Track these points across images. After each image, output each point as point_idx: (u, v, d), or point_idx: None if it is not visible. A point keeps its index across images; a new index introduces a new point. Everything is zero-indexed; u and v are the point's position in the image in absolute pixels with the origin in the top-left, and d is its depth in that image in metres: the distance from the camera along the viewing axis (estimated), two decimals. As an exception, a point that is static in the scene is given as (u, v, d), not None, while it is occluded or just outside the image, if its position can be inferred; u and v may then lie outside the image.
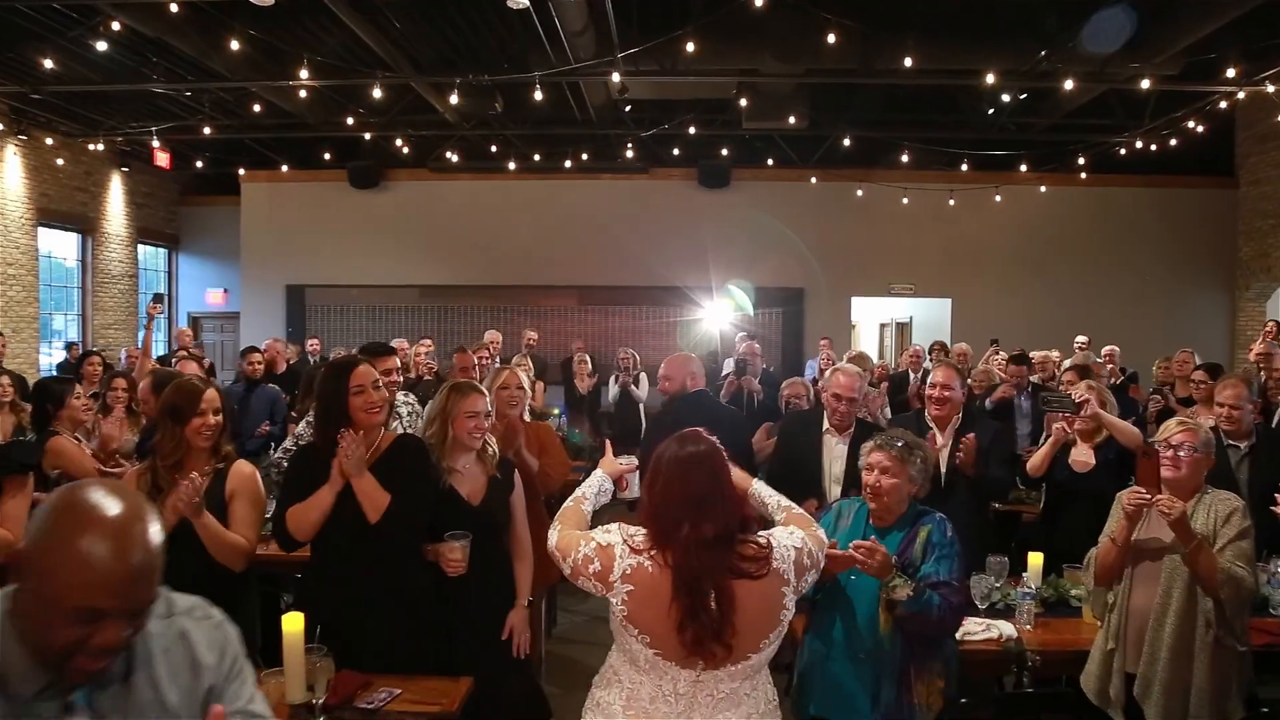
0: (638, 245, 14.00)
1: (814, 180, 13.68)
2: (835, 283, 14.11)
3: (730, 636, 2.17)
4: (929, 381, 4.34)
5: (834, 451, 4.33)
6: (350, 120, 11.60)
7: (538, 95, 8.91)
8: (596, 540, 2.33)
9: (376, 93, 8.72)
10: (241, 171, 14.49)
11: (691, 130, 11.88)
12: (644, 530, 2.31)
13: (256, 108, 11.00)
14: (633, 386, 9.45)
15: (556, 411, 9.55)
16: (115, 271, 15.23)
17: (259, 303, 14.72)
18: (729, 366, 10.57)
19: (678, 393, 4.89)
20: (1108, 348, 9.23)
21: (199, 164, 14.20)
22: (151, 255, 16.64)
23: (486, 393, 3.47)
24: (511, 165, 13.78)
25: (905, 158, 12.24)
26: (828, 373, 4.65)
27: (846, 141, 11.61)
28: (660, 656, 2.23)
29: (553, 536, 2.47)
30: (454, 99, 9.00)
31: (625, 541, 2.30)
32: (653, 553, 2.25)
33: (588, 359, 9.51)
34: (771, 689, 2.42)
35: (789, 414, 4.63)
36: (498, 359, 9.75)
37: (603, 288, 14.21)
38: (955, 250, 14.08)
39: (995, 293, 13.91)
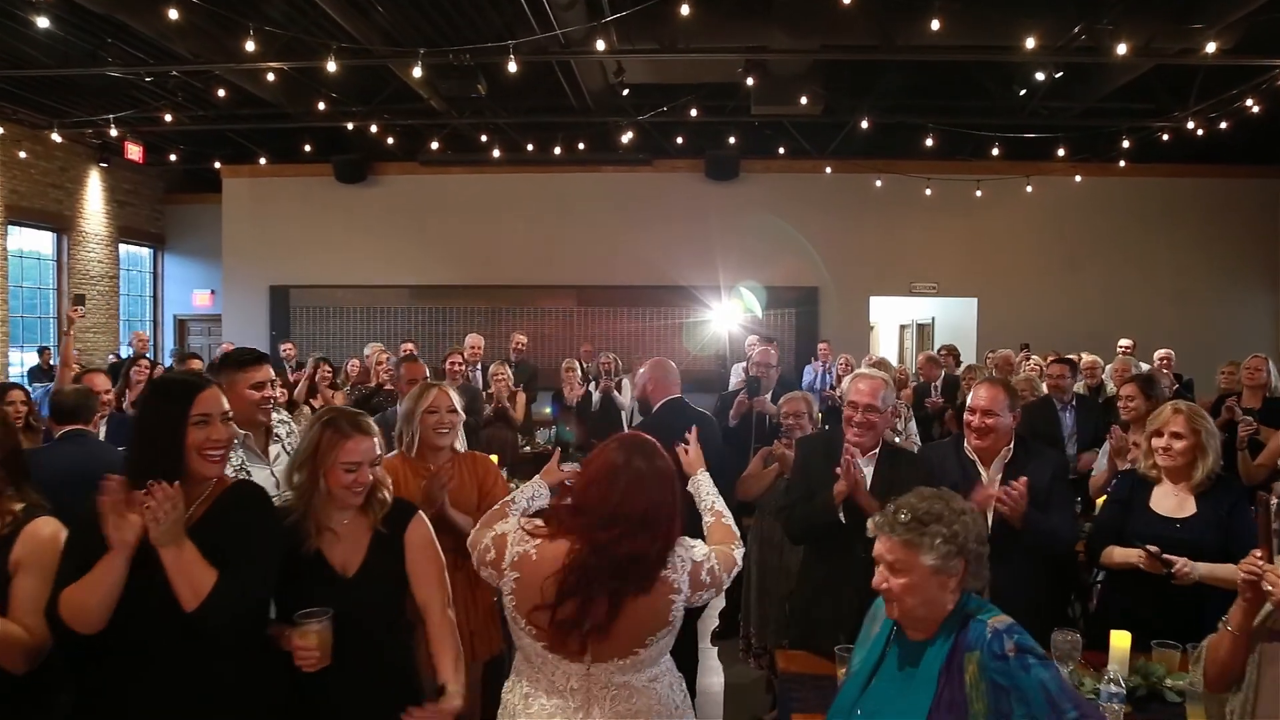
0: (640, 242, 13.13)
1: (829, 170, 12.74)
2: (852, 281, 13.18)
3: (603, 640, 2.21)
4: (968, 404, 3.40)
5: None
6: (323, 106, 10.76)
7: (513, 68, 8.05)
8: (495, 530, 2.40)
9: (331, 66, 7.87)
10: (217, 165, 13.67)
11: (694, 112, 10.96)
12: (552, 512, 2.36)
13: (222, 92, 10.18)
14: (615, 392, 8.68)
15: (541, 441, 8.71)
16: (95, 272, 14.51)
17: (241, 305, 13.95)
18: (738, 374, 9.72)
19: (659, 399, 4.67)
20: (1161, 352, 8.26)
21: (173, 157, 13.39)
22: (135, 256, 15.94)
23: (374, 432, 2.58)
24: (504, 156, 12.93)
25: (930, 141, 11.23)
26: (846, 380, 3.70)
27: (865, 124, 10.63)
28: (548, 649, 2.26)
29: (471, 535, 2.50)
30: (418, 72, 8.14)
31: (520, 526, 2.35)
32: (550, 540, 2.28)
33: (577, 366, 8.61)
34: (679, 685, 2.42)
35: (804, 440, 3.70)
36: (477, 366, 8.91)
37: (603, 287, 13.33)
38: (982, 246, 13.11)
39: (1024, 292, 12.94)
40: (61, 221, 13.68)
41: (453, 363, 7.18)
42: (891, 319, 16.46)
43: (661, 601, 2.26)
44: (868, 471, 3.28)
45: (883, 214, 13.13)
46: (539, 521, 2.34)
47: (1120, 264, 12.88)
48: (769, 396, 6.04)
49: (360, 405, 7.19)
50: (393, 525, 2.56)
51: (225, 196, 14.04)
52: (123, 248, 15.33)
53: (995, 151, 11.92)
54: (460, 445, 3.57)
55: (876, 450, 3.35)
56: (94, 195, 14.30)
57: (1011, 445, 3.33)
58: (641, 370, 4.92)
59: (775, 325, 12.97)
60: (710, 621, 6.23)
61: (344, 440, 2.48)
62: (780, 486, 4.45)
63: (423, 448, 3.43)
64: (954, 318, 14.15)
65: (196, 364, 6.33)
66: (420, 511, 2.68)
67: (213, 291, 15.78)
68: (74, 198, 13.87)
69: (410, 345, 10.07)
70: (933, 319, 15.13)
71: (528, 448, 8.89)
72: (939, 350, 9.14)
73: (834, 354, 9.86)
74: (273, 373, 3.65)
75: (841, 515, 3.17)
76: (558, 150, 12.50)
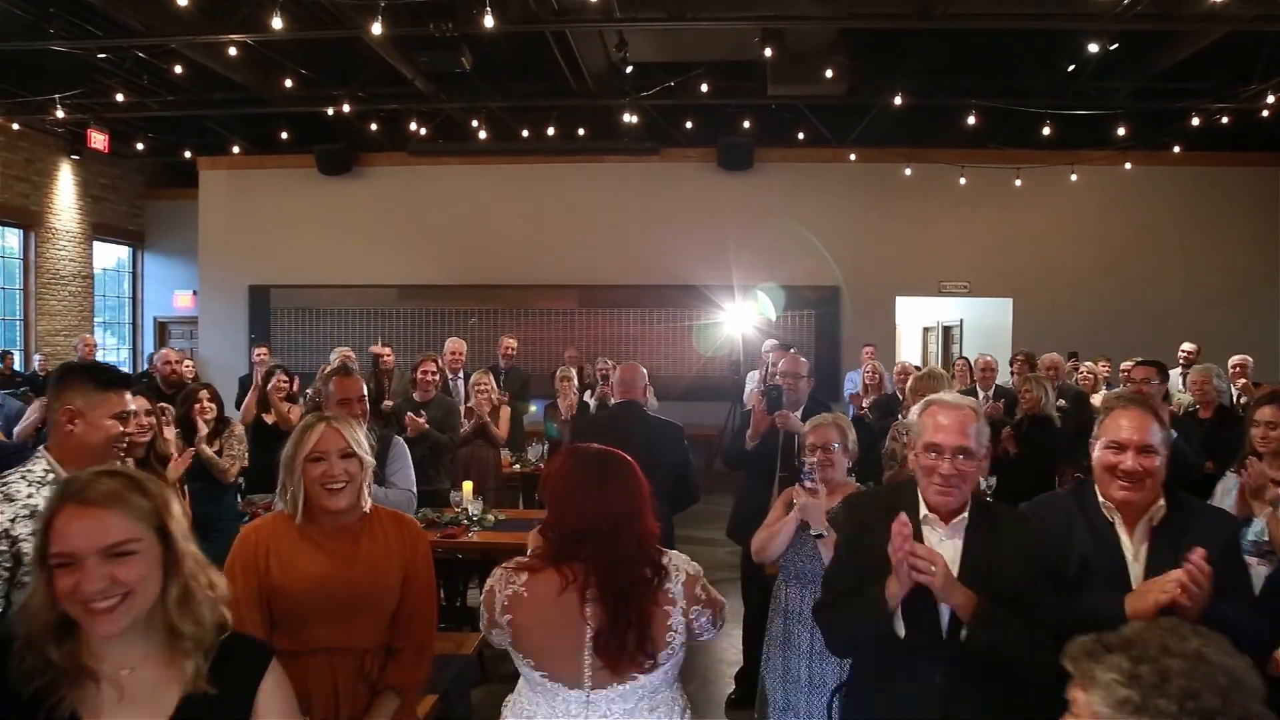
0: (646, 238, 12.12)
1: (853, 158, 11.68)
2: (877, 280, 12.12)
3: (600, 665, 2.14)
4: (1105, 436, 2.31)
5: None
6: (292, 83, 9.78)
7: (490, 22, 7.06)
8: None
9: (277, 23, 6.87)
10: (187, 154, 12.70)
11: (704, 88, 9.92)
12: (537, 549, 2.26)
13: (180, 69, 9.22)
14: (612, 400, 7.67)
15: (533, 458, 7.71)
16: (66, 271, 13.59)
17: (219, 306, 13.00)
18: (754, 381, 8.72)
19: (620, 398, 4.96)
20: (1237, 359, 7.18)
21: (140, 146, 12.45)
22: (113, 254, 15.02)
23: (123, 504, 1.52)
24: (499, 146, 11.95)
25: (971, 119, 10.11)
26: (914, 410, 2.56)
27: (897, 100, 9.54)
28: (547, 678, 2.18)
29: None
30: (378, 28, 7.11)
31: (503, 572, 2.23)
32: (536, 574, 2.17)
33: (573, 375, 7.58)
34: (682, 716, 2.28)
35: (854, 501, 2.53)
36: (459, 375, 7.90)
37: (606, 287, 12.31)
38: (1020, 241, 12.02)
39: (1065, 292, 11.85)
40: (28, 217, 12.76)
41: (425, 371, 6.17)
42: (914, 321, 15.36)
43: (658, 612, 2.15)
44: (953, 546, 2.26)
45: (911, 206, 12.08)
46: (522, 558, 2.24)
47: (1169, 261, 11.77)
48: (800, 414, 4.90)
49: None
50: (230, 677, 1.54)
51: (202, 190, 13.11)
52: (99, 246, 14.43)
53: (1046, 131, 10.68)
54: (367, 501, 2.53)
55: (965, 513, 2.30)
56: (65, 189, 13.38)
57: (1162, 499, 2.29)
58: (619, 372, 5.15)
59: (793, 328, 11.93)
60: (724, 685, 5.20)
61: (56, 517, 1.46)
62: (808, 542, 3.39)
63: (311, 508, 2.41)
64: (985, 319, 13.08)
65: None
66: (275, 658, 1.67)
67: (195, 292, 14.82)
68: (42, 192, 12.95)
69: (386, 351, 9.11)
70: (960, 321, 14.05)
71: (517, 465, 7.89)
72: (1013, 357, 7.85)
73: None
74: (134, 404, 2.69)
75: (900, 626, 2.20)
76: (552, 131, 11.40)
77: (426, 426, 5.86)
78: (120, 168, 14.36)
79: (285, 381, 6.66)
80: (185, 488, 4.36)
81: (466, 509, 5.50)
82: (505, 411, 7.16)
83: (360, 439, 2.45)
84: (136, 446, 3.72)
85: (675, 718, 2.24)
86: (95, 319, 14.44)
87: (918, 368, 7.99)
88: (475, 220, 12.44)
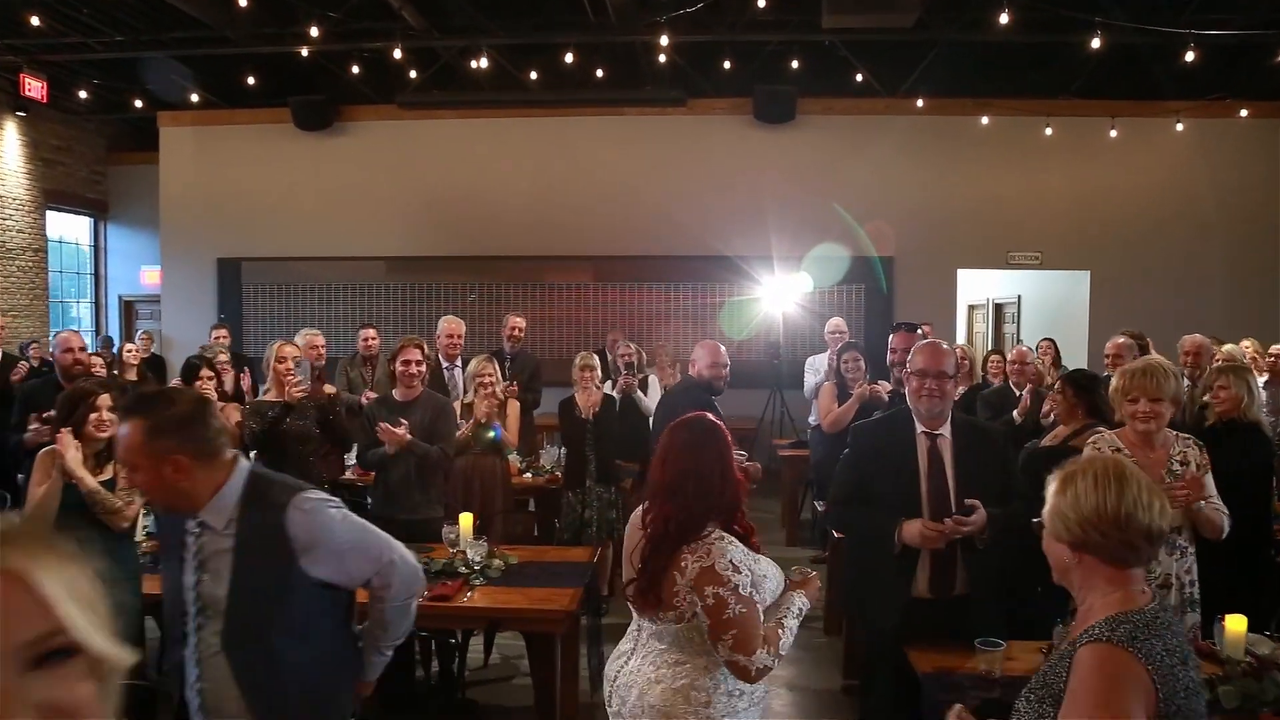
0: (672, 202, 10.54)
1: (920, 104, 10.02)
2: (937, 250, 10.55)
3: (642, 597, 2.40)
4: None
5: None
6: (253, 11, 8.17)
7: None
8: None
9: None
10: (138, 103, 11.05)
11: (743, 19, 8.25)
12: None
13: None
14: (638, 392, 6.24)
15: (548, 464, 6.26)
16: (15, 244, 12.03)
17: (183, 282, 11.46)
18: (815, 374, 7.21)
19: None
20: None
21: (83, 95, 10.82)
22: (72, 226, 13.46)
23: None
24: (503, 96, 10.36)
25: (1099, 42, 8.26)
26: None
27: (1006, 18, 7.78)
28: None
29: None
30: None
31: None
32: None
33: (595, 363, 6.02)
34: (705, 681, 2.36)
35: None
36: (456, 363, 6.37)
37: (626, 258, 10.72)
38: (1105, 205, 10.41)
39: (1155, 264, 10.28)
40: (-37, 182, 11.24)
41: (407, 362, 4.64)
42: (961, 296, 13.77)
43: (672, 573, 2.33)
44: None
45: (979, 165, 10.49)
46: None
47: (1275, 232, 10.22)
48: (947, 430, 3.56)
49: (262, 431, 4.68)
50: None
51: (163, 149, 11.52)
52: (54, 216, 12.88)
53: (1197, 57, 8.67)
54: None
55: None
56: (10, 151, 11.79)
57: None
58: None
59: (839, 304, 10.39)
60: None
61: None
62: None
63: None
64: (1048, 296, 11.54)
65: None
66: None
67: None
68: (-20, 153, 11.41)
69: (370, 332, 7.59)
70: (1018, 297, 12.49)
71: (528, 473, 6.39)
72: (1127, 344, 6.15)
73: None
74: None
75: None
76: (566, 71, 9.67)
77: (409, 439, 4.36)
78: (76, 127, 12.78)
79: (209, 376, 5.13)
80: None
81: (465, 552, 3.99)
82: (514, 407, 5.65)
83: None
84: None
85: (707, 688, 2.35)
86: (51, 298, 12.91)
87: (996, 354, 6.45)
88: (476, 182, 10.86)
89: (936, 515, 3.02)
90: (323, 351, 6.30)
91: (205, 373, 5.01)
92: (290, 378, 4.69)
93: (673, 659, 2.38)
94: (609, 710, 2.52)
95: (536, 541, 5.09)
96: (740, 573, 2.30)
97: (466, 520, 4.03)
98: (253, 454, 4.78)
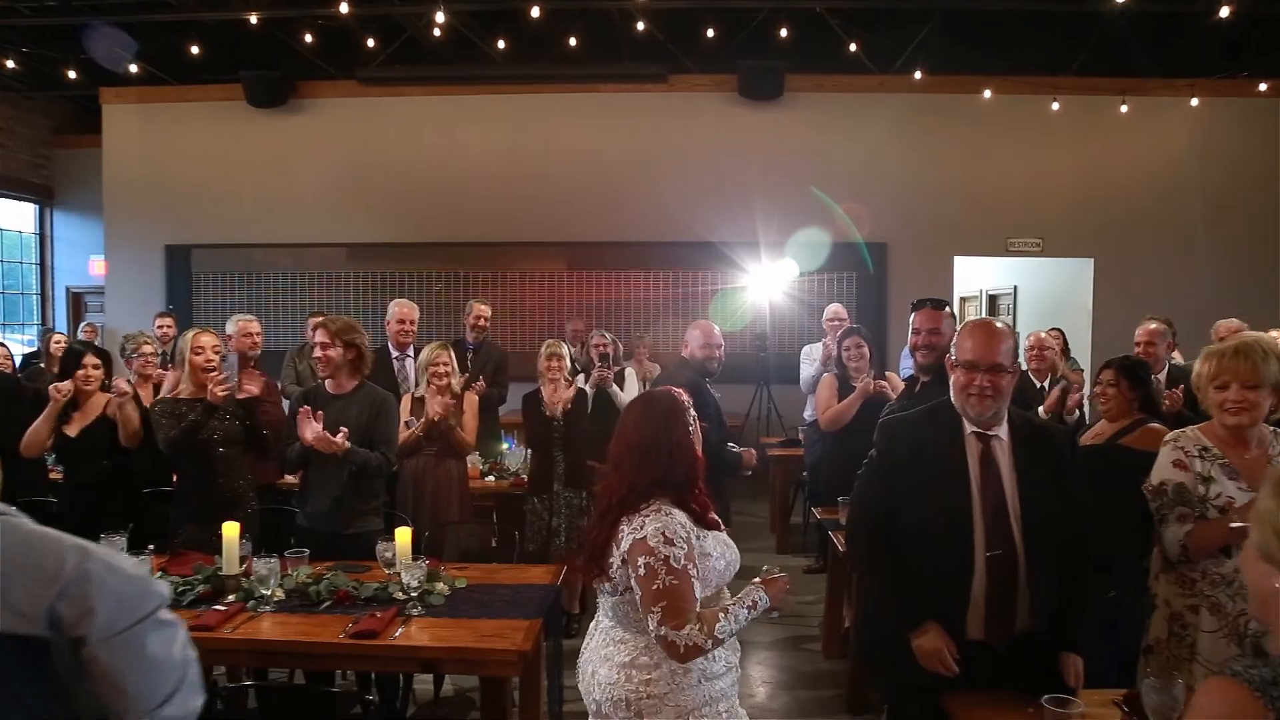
0: (652, 185, 9.88)
1: (918, 76, 9.39)
2: (932, 236, 9.94)
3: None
4: None
5: None
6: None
7: None
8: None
9: None
10: (72, 74, 10.22)
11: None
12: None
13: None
14: (614, 387, 5.62)
15: (512, 465, 5.63)
16: (-52, 231, 11.25)
17: (130, 270, 10.67)
18: (811, 364, 6.60)
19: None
20: None
21: (11, 64, 10.00)
22: (14, 212, 12.64)
23: None
24: (470, 72, 9.65)
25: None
26: None
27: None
28: None
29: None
30: None
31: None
32: None
33: (565, 354, 5.35)
34: (645, 659, 2.33)
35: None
36: (408, 352, 5.68)
37: (601, 245, 10.03)
38: (1112, 188, 9.81)
39: (1167, 251, 9.71)
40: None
41: (323, 343, 3.95)
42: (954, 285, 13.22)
43: (610, 544, 2.36)
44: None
45: (979, 145, 9.88)
46: None
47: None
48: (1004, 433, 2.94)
49: (182, 436, 4.00)
50: None
51: (106, 127, 10.73)
52: (-6, 202, 12.10)
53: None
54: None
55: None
56: (-58, 131, 11.02)
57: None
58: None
59: (830, 293, 9.76)
60: None
61: None
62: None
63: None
64: (1047, 286, 10.97)
65: None
66: None
67: (113, 258, 12.50)
68: (-91, 133, 10.61)
69: (319, 319, 6.88)
70: (1014, 288, 11.92)
71: (491, 476, 5.72)
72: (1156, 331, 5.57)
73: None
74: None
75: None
76: (538, 32, 8.93)
77: (346, 446, 3.70)
78: (17, 107, 11.97)
79: (98, 366, 4.43)
80: None
81: (399, 574, 3.32)
82: (472, 402, 4.97)
83: None
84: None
85: (647, 665, 2.31)
86: (-7, 288, 12.13)
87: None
88: (441, 164, 10.15)
89: (993, 541, 2.41)
90: (258, 340, 5.60)
91: (90, 361, 4.29)
92: (212, 374, 4.00)
93: (616, 636, 2.39)
94: (581, 692, 2.49)
95: (497, 555, 4.42)
96: (675, 545, 2.26)
97: (404, 536, 3.36)
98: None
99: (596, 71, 9.93)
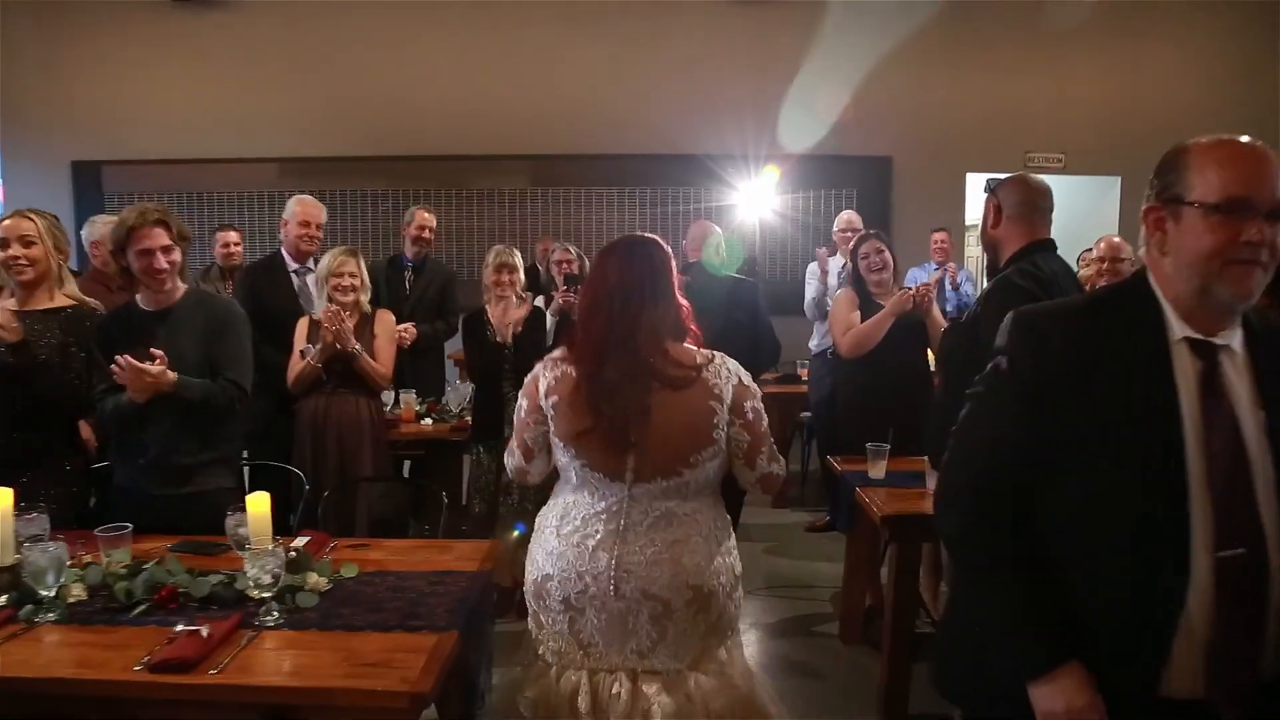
0: (626, 92, 8.72)
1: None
2: (941, 150, 8.88)
3: (644, 455, 2.03)
4: None
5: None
6: None
7: None
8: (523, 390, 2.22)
9: None
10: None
11: None
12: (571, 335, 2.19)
13: None
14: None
15: (453, 406, 4.61)
16: None
17: (32, 189, 9.33)
18: (816, 281, 5.63)
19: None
20: None
21: None
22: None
23: None
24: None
25: None
26: None
27: None
28: (588, 469, 2.09)
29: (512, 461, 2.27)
30: None
31: (546, 361, 2.18)
32: (573, 359, 2.13)
33: (518, 263, 4.26)
34: (726, 527, 2.17)
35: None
36: (311, 265, 4.56)
37: (570, 158, 8.86)
38: (1141, 100, 8.77)
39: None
40: None
41: (144, 251, 2.77)
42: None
43: (702, 406, 2.07)
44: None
45: (997, 47, 8.77)
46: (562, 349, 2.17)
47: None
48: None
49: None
50: None
51: (3, 27, 9.38)
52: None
53: None
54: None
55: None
56: None
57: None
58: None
59: (827, 212, 8.71)
60: None
61: None
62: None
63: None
64: (1067, 209, 9.72)
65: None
66: None
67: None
68: None
69: (231, 236, 5.80)
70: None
71: (428, 419, 4.65)
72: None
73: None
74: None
75: None
76: None
77: (173, 378, 2.62)
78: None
79: None
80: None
81: (244, 565, 2.24)
82: (387, 323, 3.88)
83: None
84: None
85: (714, 511, 2.14)
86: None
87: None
88: (388, 68, 8.90)
89: (1226, 531, 1.36)
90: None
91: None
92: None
93: (691, 508, 2.11)
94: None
95: (421, 519, 3.37)
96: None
97: (258, 505, 2.28)
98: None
99: (563, -40, 8.67)
